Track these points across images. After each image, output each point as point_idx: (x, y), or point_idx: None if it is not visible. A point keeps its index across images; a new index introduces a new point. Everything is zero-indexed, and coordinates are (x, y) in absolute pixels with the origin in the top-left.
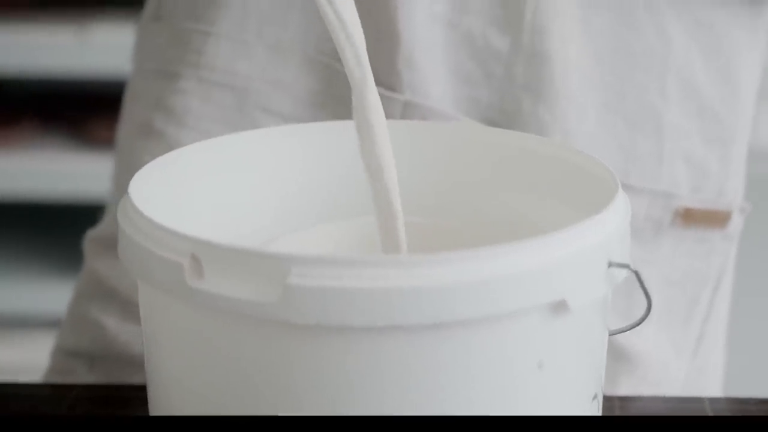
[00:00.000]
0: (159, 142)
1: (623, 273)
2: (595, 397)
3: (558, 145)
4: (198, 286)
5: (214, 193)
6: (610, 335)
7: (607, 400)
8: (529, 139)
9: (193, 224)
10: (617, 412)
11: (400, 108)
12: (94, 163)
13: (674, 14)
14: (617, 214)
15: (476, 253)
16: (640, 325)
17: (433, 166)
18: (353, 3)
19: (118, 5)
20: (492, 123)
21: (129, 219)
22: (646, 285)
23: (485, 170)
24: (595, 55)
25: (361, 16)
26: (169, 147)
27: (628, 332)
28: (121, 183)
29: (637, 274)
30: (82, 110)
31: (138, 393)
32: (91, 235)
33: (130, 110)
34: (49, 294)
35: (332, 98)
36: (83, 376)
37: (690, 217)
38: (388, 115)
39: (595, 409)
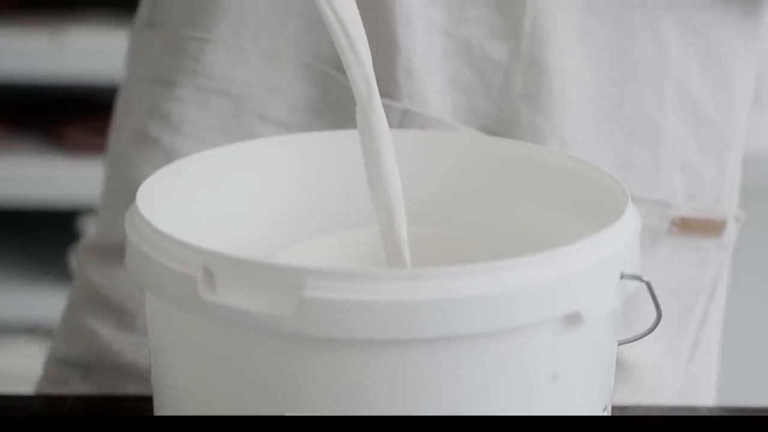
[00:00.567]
0: (155, 150)
1: (634, 284)
2: (605, 408)
3: (561, 154)
4: (211, 299)
5: (216, 204)
6: (618, 345)
7: None
8: (531, 149)
9: (194, 235)
10: None
11: (398, 116)
12: (69, 168)
13: (671, 23)
14: (629, 225)
15: (491, 266)
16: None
17: (435, 175)
18: (360, 20)
19: (93, 10)
20: (489, 132)
21: (137, 230)
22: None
23: (487, 180)
24: (593, 64)
25: None
26: (165, 154)
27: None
28: (114, 190)
29: (648, 285)
30: (57, 115)
31: (135, 404)
32: (84, 243)
33: (124, 117)
34: (22, 300)
35: (329, 105)
36: (77, 385)
37: (686, 226)
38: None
39: None
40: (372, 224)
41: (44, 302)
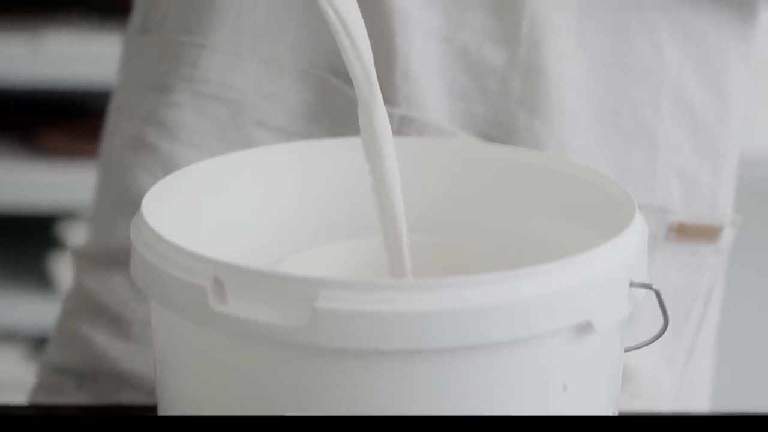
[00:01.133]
0: (151, 156)
1: (642, 292)
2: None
3: (562, 160)
4: (221, 310)
5: (217, 213)
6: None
7: None
8: (532, 155)
9: (196, 245)
10: None
11: (396, 122)
12: (47, 173)
13: (667, 27)
14: (638, 233)
15: (505, 276)
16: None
17: (435, 182)
18: (361, 19)
19: (71, 14)
20: (487, 137)
21: (143, 239)
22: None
23: (488, 187)
24: (591, 69)
25: None
26: (162, 160)
27: None
28: (109, 196)
29: (657, 293)
30: (35, 120)
31: (132, 413)
32: (79, 249)
33: (117, 123)
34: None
35: (327, 112)
36: (71, 393)
37: (683, 232)
38: None
39: None
40: (373, 233)
41: (23, 308)
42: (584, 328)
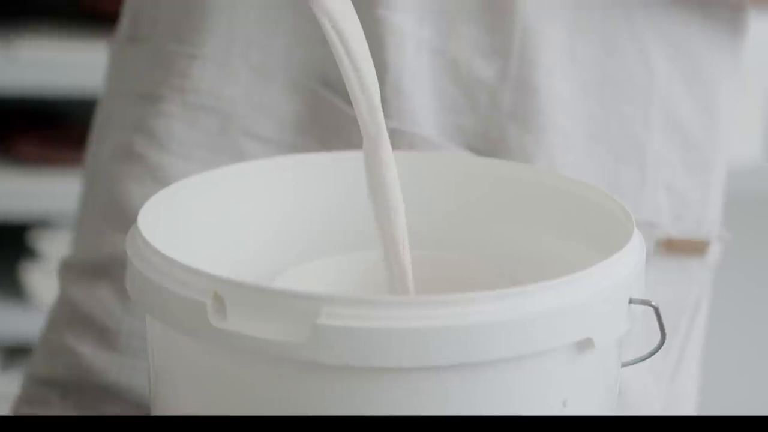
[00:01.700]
0: (140, 166)
1: (641, 309)
2: None
3: (558, 175)
4: (222, 326)
5: (210, 228)
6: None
7: None
8: (529, 170)
9: (190, 260)
10: None
11: None
12: (20, 181)
13: (657, 43)
14: (636, 249)
15: (507, 293)
16: None
17: (429, 196)
18: (369, 56)
19: (45, 21)
20: (476, 151)
21: (140, 254)
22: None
23: (482, 201)
24: (581, 84)
25: None
26: (150, 171)
27: None
28: (96, 206)
29: (656, 309)
30: (8, 127)
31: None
32: (65, 261)
33: (104, 133)
34: None
35: (317, 123)
36: (56, 405)
37: (671, 247)
38: None
39: None
40: (367, 246)
41: None
42: (585, 345)
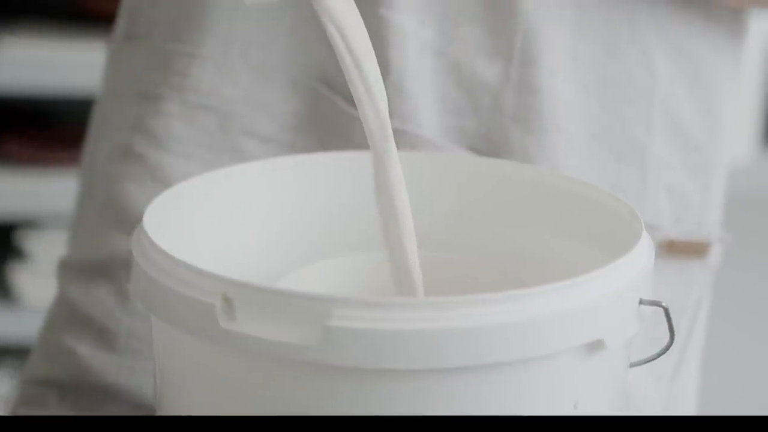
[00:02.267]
0: (139, 166)
1: (650, 310)
2: None
3: (563, 176)
4: (231, 328)
5: (215, 228)
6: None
7: None
8: (533, 171)
9: (194, 261)
10: None
11: None
12: (8, 181)
13: (658, 45)
14: (645, 250)
15: (519, 294)
16: None
17: (432, 197)
18: (379, 72)
19: (34, 21)
20: (478, 152)
21: (146, 256)
22: None
23: (487, 202)
24: (583, 86)
25: None
26: (150, 170)
27: None
28: (94, 206)
29: (666, 310)
30: None
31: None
32: (63, 260)
33: (101, 133)
34: None
35: (317, 122)
36: (54, 405)
37: (672, 248)
38: None
39: None
40: (369, 248)
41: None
42: (596, 347)
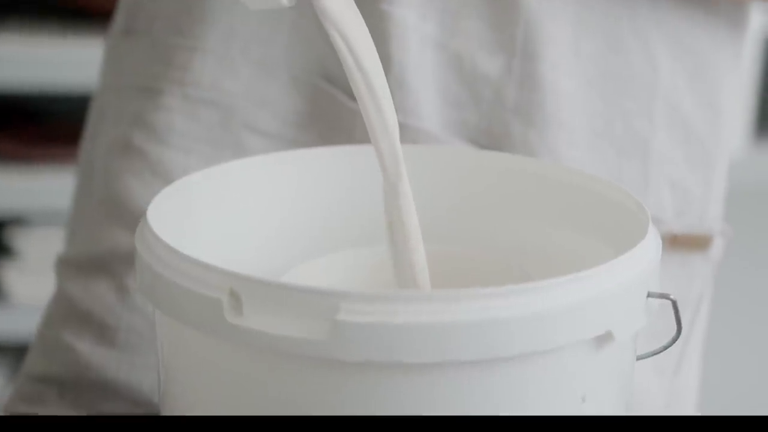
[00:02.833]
0: (139, 161)
1: (657, 303)
2: None
3: (567, 169)
4: (238, 323)
5: (217, 223)
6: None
7: None
8: (536, 163)
9: (197, 255)
10: None
11: None
12: None
13: (660, 39)
14: (653, 243)
15: (528, 287)
16: None
17: (437, 191)
18: (390, 98)
19: (22, 17)
20: (480, 146)
21: (151, 250)
22: None
23: (490, 195)
24: (585, 80)
25: None
26: (150, 165)
27: None
28: (94, 202)
29: (674, 303)
30: None
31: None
32: (62, 256)
33: (100, 128)
34: None
35: (319, 117)
36: (53, 402)
37: (675, 242)
38: None
39: None
40: (370, 243)
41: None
42: (604, 340)
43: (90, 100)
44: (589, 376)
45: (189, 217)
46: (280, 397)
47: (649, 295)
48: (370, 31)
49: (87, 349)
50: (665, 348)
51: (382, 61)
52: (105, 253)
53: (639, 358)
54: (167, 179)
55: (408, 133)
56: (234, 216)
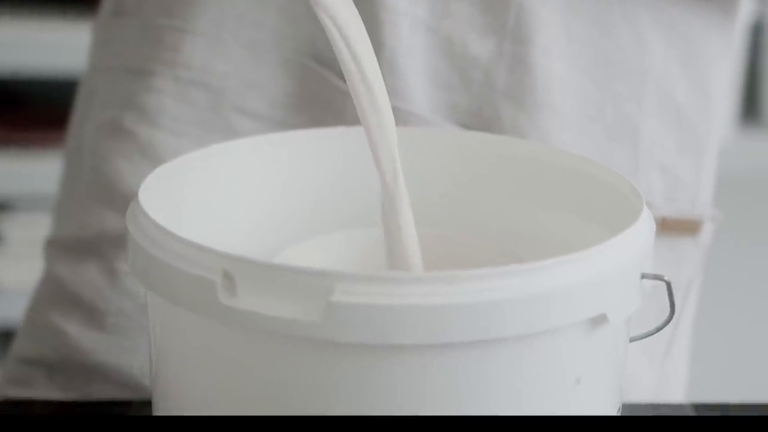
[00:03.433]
0: (130, 142)
1: (650, 284)
2: (618, 408)
3: (561, 152)
4: (232, 304)
5: (208, 204)
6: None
7: None
8: (530, 146)
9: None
10: None
11: None
12: None
13: (651, 24)
14: (647, 225)
15: (522, 268)
16: None
17: (430, 174)
18: (389, 104)
19: (12, 2)
20: (470, 129)
21: (144, 232)
22: None
23: (484, 178)
24: (576, 64)
25: None
26: (140, 146)
27: None
28: (83, 184)
29: (668, 284)
30: None
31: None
32: (50, 238)
33: (89, 110)
34: None
35: (310, 99)
36: (42, 385)
37: (665, 226)
38: None
39: None
40: (362, 224)
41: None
42: (599, 321)
43: (76, 83)
44: (584, 358)
45: (179, 199)
46: (273, 379)
47: (643, 276)
48: (361, 16)
49: (76, 331)
50: (658, 329)
51: (373, 45)
52: (94, 236)
53: (632, 340)
54: (157, 161)
55: (398, 117)
56: (224, 198)
